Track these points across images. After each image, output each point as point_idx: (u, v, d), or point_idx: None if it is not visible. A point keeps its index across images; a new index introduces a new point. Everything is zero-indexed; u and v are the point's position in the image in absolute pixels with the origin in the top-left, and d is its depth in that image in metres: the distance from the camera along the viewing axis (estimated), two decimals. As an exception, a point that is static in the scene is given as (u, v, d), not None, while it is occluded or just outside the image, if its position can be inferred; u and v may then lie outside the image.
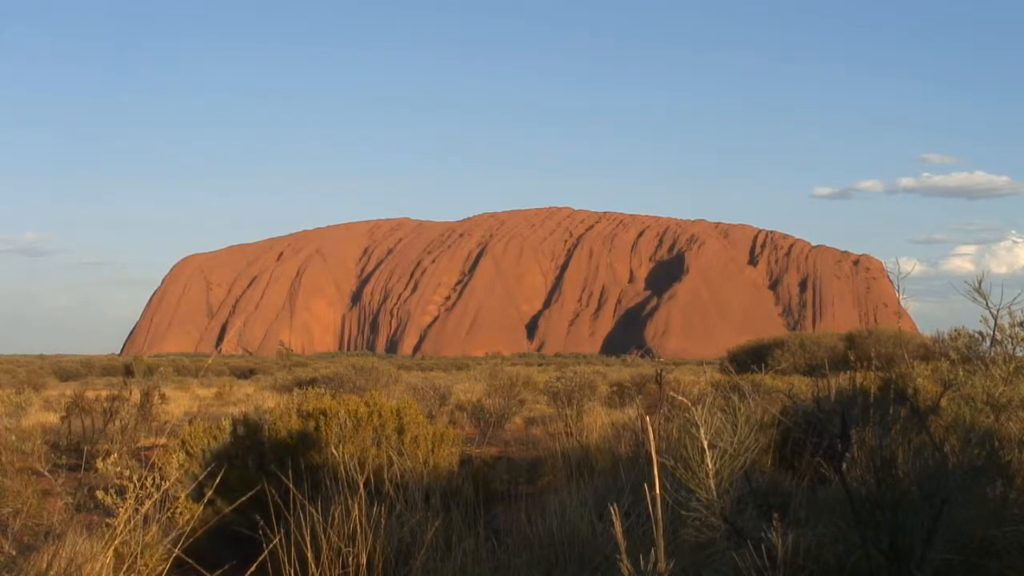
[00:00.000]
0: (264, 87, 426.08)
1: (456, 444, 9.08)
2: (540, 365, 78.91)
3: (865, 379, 11.73)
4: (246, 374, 59.56)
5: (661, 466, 5.83)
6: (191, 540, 4.34)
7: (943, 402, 7.69)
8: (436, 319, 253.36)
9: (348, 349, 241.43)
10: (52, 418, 18.90)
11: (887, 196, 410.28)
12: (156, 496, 4.21)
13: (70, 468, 12.24)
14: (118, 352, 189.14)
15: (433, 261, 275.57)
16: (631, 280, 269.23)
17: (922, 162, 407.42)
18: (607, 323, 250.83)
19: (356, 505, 6.37)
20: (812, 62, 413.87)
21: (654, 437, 6.50)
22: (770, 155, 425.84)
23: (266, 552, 6.37)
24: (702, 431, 5.43)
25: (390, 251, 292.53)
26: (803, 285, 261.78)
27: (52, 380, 49.00)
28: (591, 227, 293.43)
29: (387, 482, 6.46)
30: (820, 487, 6.23)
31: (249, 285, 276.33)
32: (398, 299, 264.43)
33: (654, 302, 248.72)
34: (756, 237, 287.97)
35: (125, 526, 3.89)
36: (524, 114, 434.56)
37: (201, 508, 5.72)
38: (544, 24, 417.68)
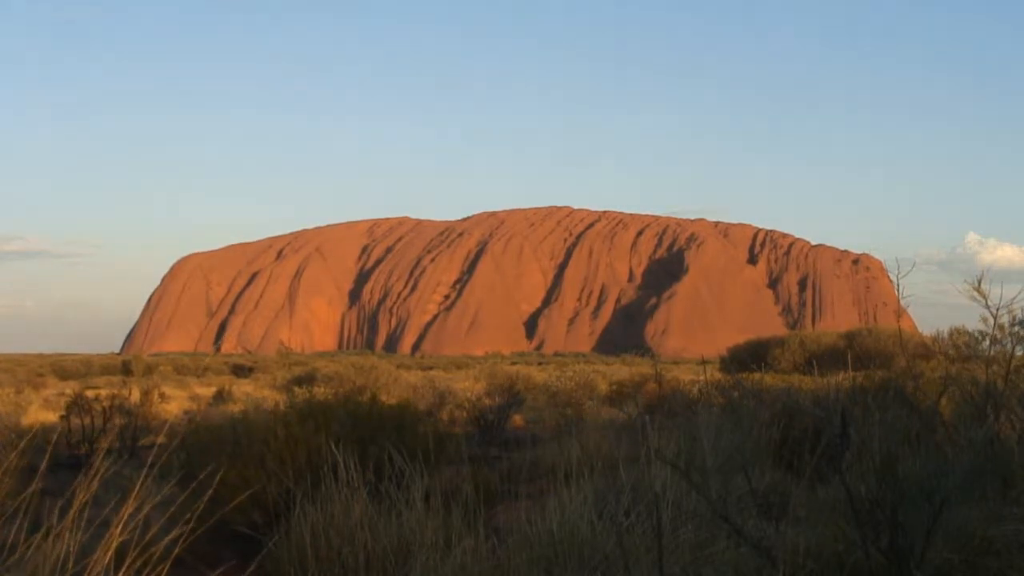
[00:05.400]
0: (264, 86, 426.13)
1: (456, 443, 9.07)
2: (539, 364, 78.88)
3: (865, 378, 11.75)
4: (246, 373, 59.53)
5: (661, 465, 5.84)
6: (191, 539, 4.33)
7: (943, 401, 7.69)
8: (435, 318, 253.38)
9: (347, 348, 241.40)
10: (52, 417, 18.90)
11: (887, 196, 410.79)
12: (157, 498, 4.20)
13: (69, 467, 12.24)
14: (117, 351, 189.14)
15: (432, 260, 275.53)
16: (631, 279, 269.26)
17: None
18: (607, 322, 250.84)
19: (356, 504, 6.37)
20: (812, 61, 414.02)
21: (653, 436, 6.50)
22: (770, 154, 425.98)
23: (266, 551, 6.37)
24: (702, 430, 5.43)
25: (389, 250, 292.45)
26: (803, 284, 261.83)
27: (51, 379, 49.01)
28: (591, 226, 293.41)
29: (387, 481, 6.46)
30: (820, 486, 6.23)
31: (248, 284, 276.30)
32: (397, 298, 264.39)
33: (654, 301, 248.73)
34: (756, 236, 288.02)
35: (125, 526, 3.89)
36: (524, 113, 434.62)
37: (201, 507, 5.71)
38: (543, 22, 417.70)
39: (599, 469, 6.70)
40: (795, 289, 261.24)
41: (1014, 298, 6.96)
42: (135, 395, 19.12)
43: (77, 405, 14.89)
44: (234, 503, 6.62)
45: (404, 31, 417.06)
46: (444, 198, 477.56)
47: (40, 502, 4.20)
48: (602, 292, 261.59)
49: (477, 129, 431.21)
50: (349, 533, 6.14)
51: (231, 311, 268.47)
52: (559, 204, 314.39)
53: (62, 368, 61.68)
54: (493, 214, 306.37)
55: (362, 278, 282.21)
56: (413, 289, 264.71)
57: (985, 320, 7.10)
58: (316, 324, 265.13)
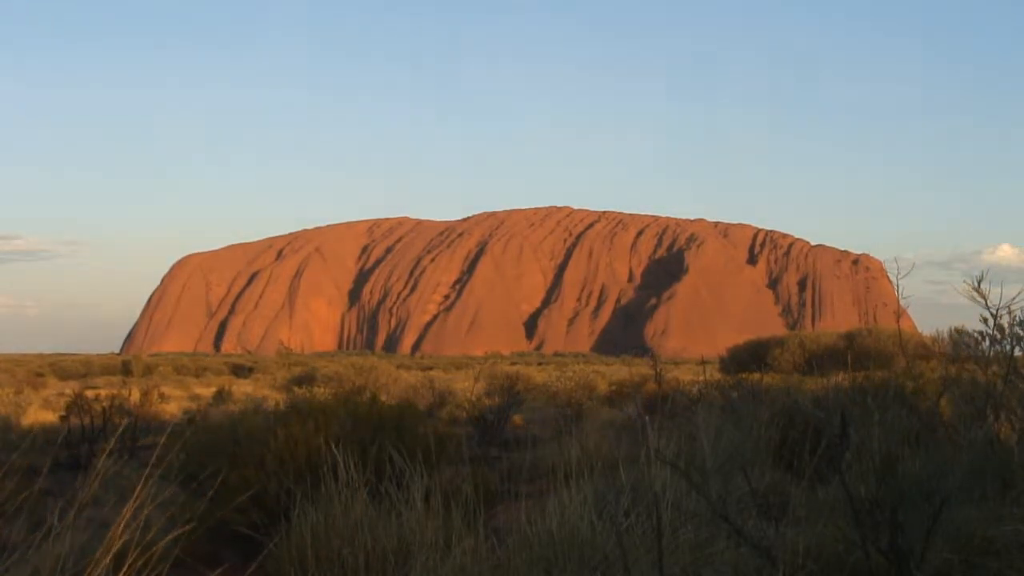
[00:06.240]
0: (263, 85, 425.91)
1: (456, 443, 9.07)
2: (539, 364, 78.89)
3: (865, 378, 11.75)
4: (245, 373, 59.51)
5: (661, 465, 5.84)
6: (191, 540, 4.34)
7: (942, 401, 7.69)
8: (435, 318, 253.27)
9: (347, 348, 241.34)
10: (51, 417, 18.90)
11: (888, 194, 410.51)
12: (160, 498, 4.21)
13: (70, 467, 12.24)
14: (117, 351, 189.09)
15: (432, 260, 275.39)
16: (630, 279, 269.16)
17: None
18: (606, 322, 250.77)
19: (356, 505, 6.36)
20: (812, 61, 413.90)
21: (653, 436, 6.50)
22: (770, 154, 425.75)
23: (266, 552, 6.38)
24: (701, 430, 5.43)
25: (389, 250, 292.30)
26: (802, 284, 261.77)
27: (51, 379, 49.00)
28: (590, 226, 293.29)
29: (387, 481, 6.46)
30: (820, 487, 6.23)
31: (248, 284, 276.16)
32: (397, 298, 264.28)
33: (653, 301, 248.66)
34: (755, 236, 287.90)
35: (126, 527, 3.89)
36: (523, 113, 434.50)
37: (201, 508, 5.72)
38: (543, 22, 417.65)
39: (599, 469, 6.69)
40: (795, 289, 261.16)
41: (1014, 298, 6.96)
42: (135, 395, 19.13)
43: (77, 405, 14.88)
44: (234, 504, 6.62)
45: (404, 30, 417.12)
46: (444, 198, 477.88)
47: (40, 502, 4.21)
48: (602, 292, 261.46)
49: (477, 129, 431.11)
50: (349, 533, 6.14)
51: (231, 311, 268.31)
52: (559, 204, 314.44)
53: (62, 368, 61.65)
54: (493, 214, 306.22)
55: (362, 278, 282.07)
56: (413, 289, 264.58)
57: (985, 320, 7.09)
58: (316, 324, 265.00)
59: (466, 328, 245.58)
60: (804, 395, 10.02)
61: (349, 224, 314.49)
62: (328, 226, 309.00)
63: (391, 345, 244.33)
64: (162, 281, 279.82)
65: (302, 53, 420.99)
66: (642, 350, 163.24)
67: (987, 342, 7.19)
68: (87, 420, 14.46)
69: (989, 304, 6.98)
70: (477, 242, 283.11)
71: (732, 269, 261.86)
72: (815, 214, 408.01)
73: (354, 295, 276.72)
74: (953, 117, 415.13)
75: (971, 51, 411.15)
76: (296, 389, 25.60)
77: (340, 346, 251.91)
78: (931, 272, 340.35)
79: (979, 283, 6.93)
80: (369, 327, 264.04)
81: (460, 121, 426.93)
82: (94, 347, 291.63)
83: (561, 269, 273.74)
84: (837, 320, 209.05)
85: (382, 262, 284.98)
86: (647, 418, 7.08)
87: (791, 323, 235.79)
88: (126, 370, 59.74)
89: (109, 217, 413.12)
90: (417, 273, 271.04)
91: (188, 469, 7.55)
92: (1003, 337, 7.09)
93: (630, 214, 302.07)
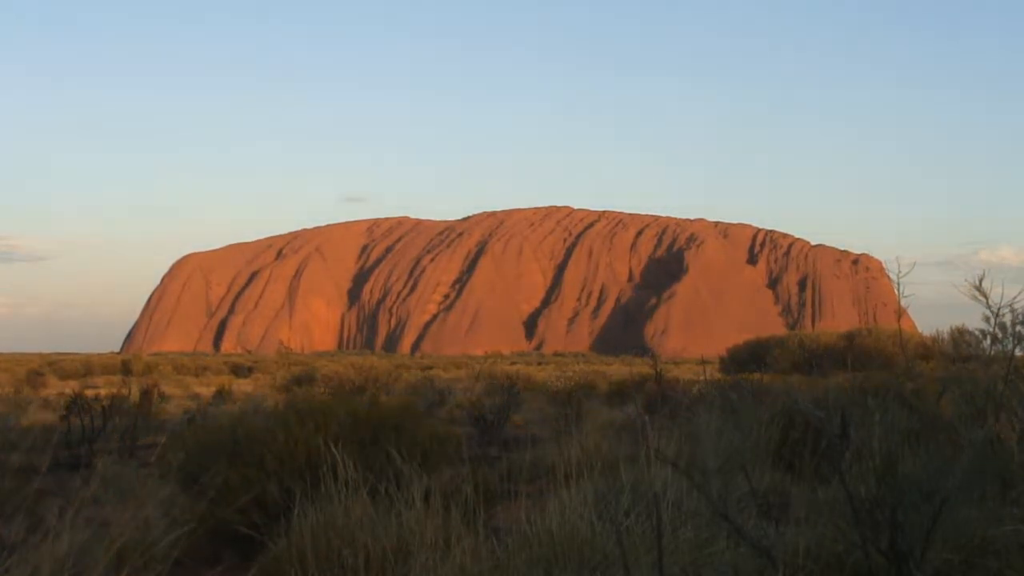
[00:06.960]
0: (263, 85, 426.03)
1: (456, 443, 9.07)
2: (539, 364, 78.92)
3: (865, 378, 11.75)
4: (245, 372, 59.48)
5: (661, 465, 5.84)
6: (191, 540, 4.34)
7: (942, 401, 7.69)
8: (435, 318, 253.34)
9: (347, 348, 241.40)
10: (51, 417, 18.88)
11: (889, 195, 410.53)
12: (159, 498, 4.21)
13: (69, 467, 12.23)
14: (117, 350, 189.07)
15: (432, 260, 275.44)
16: (630, 279, 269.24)
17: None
18: (606, 322, 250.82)
19: (356, 505, 6.37)
20: (812, 59, 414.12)
21: (653, 436, 6.49)
22: (770, 154, 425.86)
23: (266, 552, 6.38)
24: (702, 429, 5.43)
25: (389, 250, 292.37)
26: (802, 284, 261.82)
27: (51, 379, 48.97)
28: (590, 226, 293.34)
29: (386, 481, 6.46)
30: (820, 487, 6.23)
31: (248, 283, 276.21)
32: (397, 297, 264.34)
33: (653, 301, 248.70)
34: (755, 236, 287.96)
35: (126, 526, 3.89)
36: (523, 112, 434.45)
37: (202, 508, 5.72)
38: (543, 21, 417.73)
39: (599, 469, 6.69)
40: (795, 289, 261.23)
41: (1015, 297, 6.96)
42: (135, 395, 19.13)
43: (77, 405, 14.87)
44: (235, 504, 6.62)
45: (403, 30, 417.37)
46: (444, 198, 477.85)
47: (40, 502, 4.21)
48: (602, 292, 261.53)
49: (477, 129, 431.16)
50: (349, 533, 6.14)
51: (231, 311, 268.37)
52: (559, 204, 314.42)
53: (62, 367, 61.58)
54: (493, 214, 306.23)
55: (361, 278, 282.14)
56: (413, 289, 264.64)
57: (987, 319, 7.09)
58: (316, 324, 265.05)
59: (466, 328, 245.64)
60: (803, 395, 10.02)
61: (349, 224, 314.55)
62: (328, 226, 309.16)
63: (391, 345, 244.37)
64: (162, 281, 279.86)
65: (302, 52, 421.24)
66: (642, 350, 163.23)
67: (988, 341, 7.19)
68: (87, 420, 14.45)
69: (990, 303, 6.98)
70: (477, 242, 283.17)
71: (732, 269, 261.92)
72: (815, 214, 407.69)
73: (354, 295, 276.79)
74: (953, 117, 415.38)
75: (971, 51, 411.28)
76: (296, 389, 25.63)
77: (340, 346, 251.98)
78: (931, 272, 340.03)
79: (980, 283, 6.93)
80: (369, 327, 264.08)
81: (460, 120, 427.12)
82: (94, 347, 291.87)
83: (561, 269, 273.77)
84: (837, 320, 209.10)
85: (382, 262, 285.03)
86: (647, 418, 7.09)
87: (791, 323, 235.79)
88: (126, 369, 59.67)
89: (109, 217, 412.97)
90: (417, 273, 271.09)
91: (188, 469, 7.55)
92: (1005, 336, 7.09)
93: (630, 214, 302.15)
